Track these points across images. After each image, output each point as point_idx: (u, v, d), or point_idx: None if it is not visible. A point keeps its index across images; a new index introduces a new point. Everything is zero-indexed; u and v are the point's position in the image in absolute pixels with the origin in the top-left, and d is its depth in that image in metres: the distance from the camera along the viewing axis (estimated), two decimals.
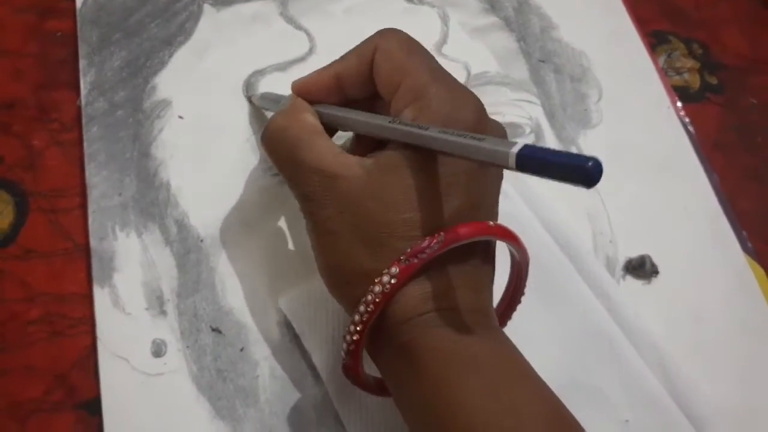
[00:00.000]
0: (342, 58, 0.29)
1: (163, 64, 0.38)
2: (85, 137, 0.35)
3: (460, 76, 0.39)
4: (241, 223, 0.34)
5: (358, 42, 0.39)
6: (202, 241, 0.34)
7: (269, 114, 0.35)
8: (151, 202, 0.34)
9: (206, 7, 0.40)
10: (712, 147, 0.40)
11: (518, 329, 0.32)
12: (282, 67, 0.38)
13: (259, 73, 0.38)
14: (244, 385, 0.31)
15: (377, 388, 0.28)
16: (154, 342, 0.31)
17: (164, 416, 0.30)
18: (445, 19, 0.41)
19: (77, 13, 0.38)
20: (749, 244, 0.37)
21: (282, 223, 0.34)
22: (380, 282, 0.24)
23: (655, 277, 0.36)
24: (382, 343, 0.25)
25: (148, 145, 0.36)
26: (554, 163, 0.19)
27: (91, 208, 0.34)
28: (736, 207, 0.38)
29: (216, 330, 0.32)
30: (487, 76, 0.40)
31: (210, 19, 0.39)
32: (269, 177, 0.35)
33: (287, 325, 0.32)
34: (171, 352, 0.31)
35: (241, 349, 0.32)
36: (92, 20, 0.38)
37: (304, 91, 0.30)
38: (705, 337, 0.35)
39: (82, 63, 0.37)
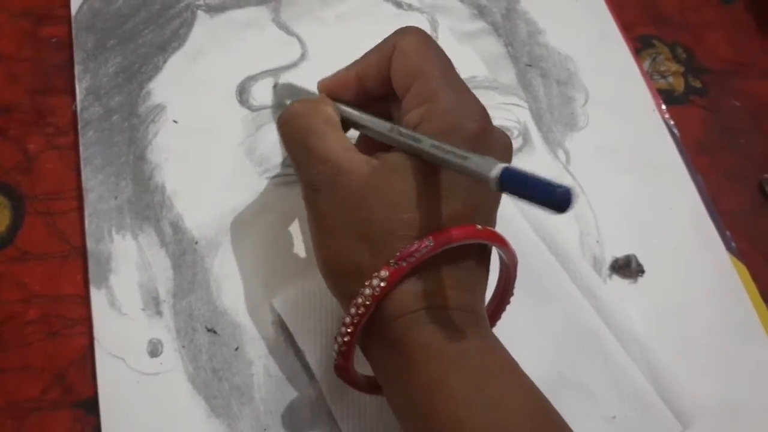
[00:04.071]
0: (363, 56, 0.29)
1: (157, 69, 0.38)
2: (81, 141, 0.36)
3: None
4: (236, 225, 0.35)
5: (349, 48, 0.40)
6: (197, 242, 0.34)
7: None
8: (147, 204, 0.35)
9: (200, 14, 0.40)
10: (696, 149, 0.41)
11: (507, 328, 0.33)
12: (274, 72, 0.39)
13: (252, 78, 0.38)
14: (239, 384, 0.32)
15: (369, 386, 0.29)
16: (150, 342, 0.32)
17: (160, 415, 0.31)
18: (434, 25, 0.42)
19: (72, 19, 0.39)
20: (733, 244, 0.38)
21: (275, 225, 0.35)
22: (371, 285, 0.24)
23: (641, 276, 0.37)
24: (374, 338, 0.26)
25: (144, 149, 0.36)
26: (530, 187, 0.20)
27: (88, 211, 0.34)
28: (720, 207, 0.39)
29: (211, 330, 0.33)
30: (476, 80, 0.41)
31: (203, 26, 0.40)
32: (263, 179, 0.36)
33: (281, 325, 0.33)
34: (167, 351, 0.32)
35: (236, 349, 0.33)
36: (87, 26, 0.39)
37: (329, 88, 0.30)
38: (690, 335, 0.36)
39: (78, 69, 0.38)
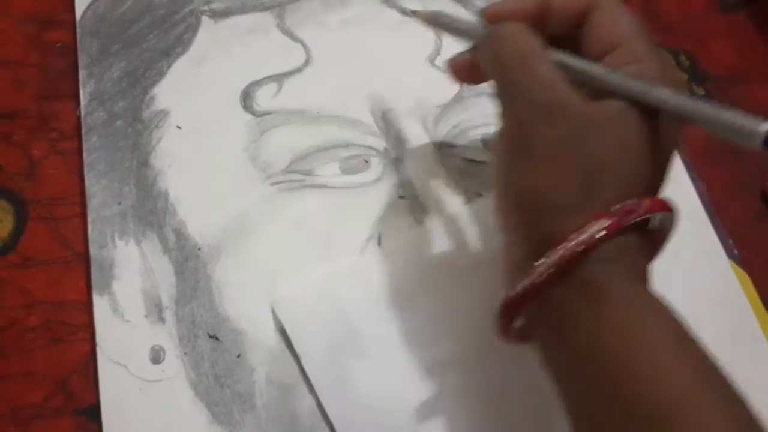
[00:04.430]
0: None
1: (161, 74, 0.38)
2: (84, 147, 0.36)
3: (454, 88, 0.40)
4: (238, 232, 0.35)
5: (353, 54, 0.40)
6: (199, 249, 0.34)
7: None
8: (150, 210, 0.35)
9: (204, 19, 0.40)
10: (699, 156, 0.41)
11: None
12: (278, 78, 0.39)
13: (256, 83, 0.39)
14: (241, 391, 0.32)
15: (518, 336, 0.28)
16: (152, 348, 0.32)
17: (162, 422, 0.31)
18: (438, 32, 0.42)
19: (77, 24, 0.39)
20: (735, 251, 0.38)
21: (279, 232, 0.35)
22: (587, 231, 0.23)
23: None
24: (561, 280, 0.24)
25: (147, 155, 0.36)
26: None
27: (91, 217, 0.34)
28: (722, 214, 0.39)
29: (213, 337, 0.33)
30: (480, 87, 0.40)
31: (208, 31, 0.40)
32: (266, 185, 0.36)
33: (283, 332, 0.33)
34: (169, 358, 0.32)
35: (238, 356, 0.33)
36: (92, 31, 0.39)
37: (500, 16, 0.28)
38: None
39: (82, 73, 0.38)
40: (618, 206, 0.24)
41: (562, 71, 0.26)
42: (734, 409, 0.23)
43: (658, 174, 0.26)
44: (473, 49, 0.30)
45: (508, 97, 0.27)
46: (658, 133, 0.25)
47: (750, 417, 0.23)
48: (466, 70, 0.31)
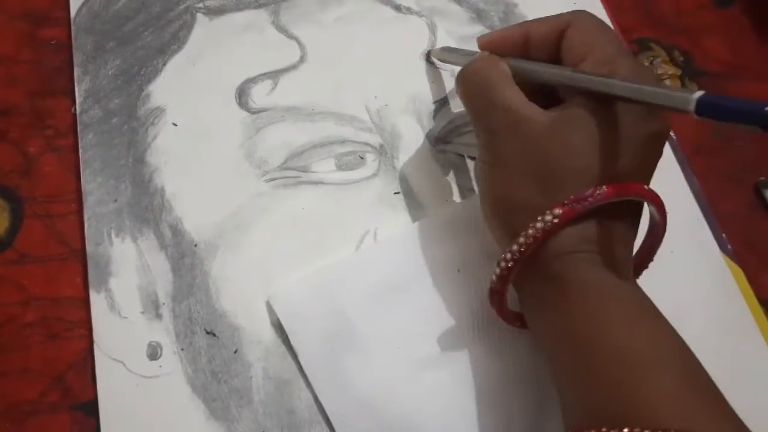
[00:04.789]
0: (534, 20, 0.32)
1: (157, 72, 0.38)
2: (80, 144, 0.36)
3: (448, 83, 0.40)
4: (235, 228, 0.35)
5: (348, 50, 0.40)
6: (196, 245, 0.34)
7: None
8: (146, 207, 0.35)
9: (199, 16, 0.40)
10: (692, 151, 0.41)
11: (500, 331, 0.33)
12: (273, 75, 0.39)
13: (251, 81, 0.39)
14: (238, 386, 0.32)
15: (514, 318, 0.31)
16: (149, 345, 0.32)
17: (160, 417, 0.31)
18: (432, 28, 0.42)
19: (72, 21, 0.39)
20: (728, 246, 0.39)
21: (275, 228, 0.35)
22: (543, 220, 0.27)
23: (636, 278, 0.37)
24: (532, 272, 0.28)
25: (143, 152, 0.36)
26: (732, 109, 0.22)
27: (87, 214, 0.34)
28: (716, 209, 0.40)
29: (210, 332, 0.33)
30: None
31: (203, 28, 0.40)
32: (262, 182, 0.36)
33: (280, 327, 0.33)
34: (166, 354, 0.32)
35: (235, 351, 0.33)
36: (87, 29, 0.39)
37: (492, 45, 0.32)
38: (684, 337, 0.36)
39: (77, 71, 0.38)
40: (572, 197, 0.27)
41: (527, 83, 0.30)
42: (683, 365, 0.26)
43: (625, 161, 0.28)
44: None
45: (480, 123, 0.30)
46: (617, 123, 0.27)
47: (698, 374, 0.26)
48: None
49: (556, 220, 0.27)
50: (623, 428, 0.23)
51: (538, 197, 0.28)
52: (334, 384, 0.32)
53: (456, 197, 0.37)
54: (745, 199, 0.41)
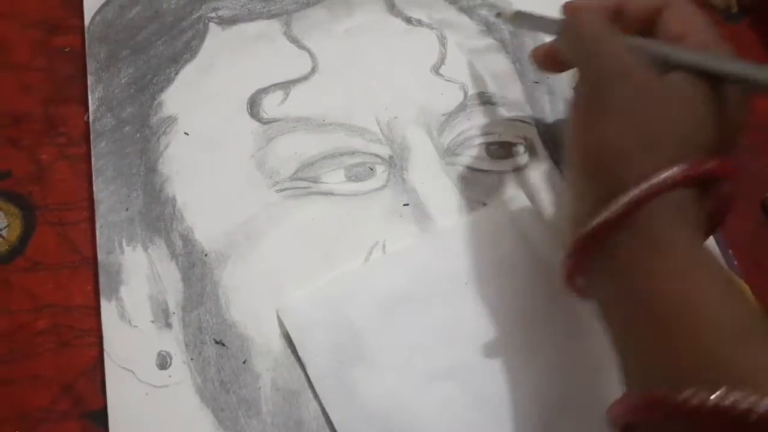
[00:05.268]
0: None
1: (169, 81, 0.39)
2: (92, 152, 0.36)
3: (458, 97, 0.40)
4: (245, 238, 0.35)
5: (359, 62, 0.41)
6: (206, 255, 0.35)
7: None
8: (157, 216, 0.35)
9: (212, 26, 0.41)
10: None
11: (513, 347, 0.33)
12: (285, 85, 0.39)
13: (263, 91, 0.39)
14: (246, 397, 0.32)
15: (582, 290, 0.30)
16: (159, 354, 0.32)
17: (169, 427, 0.31)
18: (443, 41, 0.42)
19: (85, 29, 0.39)
20: (735, 263, 0.39)
21: (285, 238, 0.35)
22: (657, 176, 0.26)
23: None
24: (620, 231, 0.27)
25: (155, 161, 0.36)
26: None
27: (99, 222, 0.35)
28: (723, 226, 0.40)
29: (219, 342, 0.33)
30: (484, 96, 0.41)
31: (215, 38, 0.40)
32: (273, 192, 0.36)
33: (289, 338, 0.33)
34: (176, 364, 0.32)
35: (244, 362, 0.33)
36: (100, 37, 0.39)
37: (580, 10, 0.32)
38: None
39: (90, 79, 0.38)
40: (692, 161, 0.26)
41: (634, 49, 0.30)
42: None
43: (723, 141, 0.28)
44: (555, 40, 0.34)
45: (587, 65, 0.30)
46: (723, 102, 0.28)
47: None
48: (546, 59, 0.35)
49: (670, 180, 0.26)
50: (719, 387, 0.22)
51: (640, 150, 0.27)
52: (341, 396, 0.32)
53: (465, 210, 0.37)
54: (752, 215, 0.41)
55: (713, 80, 0.28)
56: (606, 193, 0.27)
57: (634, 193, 0.26)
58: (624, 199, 0.26)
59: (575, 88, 0.31)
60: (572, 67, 0.34)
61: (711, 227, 0.30)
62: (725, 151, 0.28)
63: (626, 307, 0.27)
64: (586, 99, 0.29)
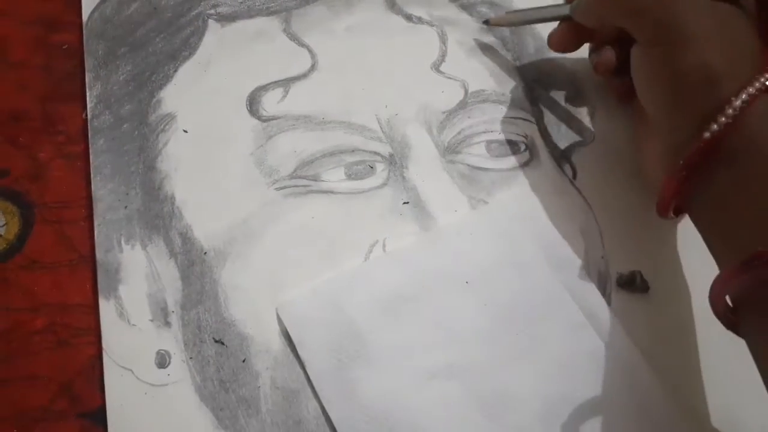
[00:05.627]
0: None
1: (168, 78, 0.38)
2: (91, 150, 0.36)
3: (458, 94, 0.40)
4: (244, 236, 0.35)
5: (359, 59, 0.41)
6: (205, 253, 0.34)
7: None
8: (156, 214, 0.35)
9: (211, 23, 0.40)
10: None
11: (510, 348, 0.33)
12: (285, 83, 0.39)
13: (262, 88, 0.39)
14: (245, 396, 0.32)
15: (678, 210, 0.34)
16: (158, 353, 0.32)
17: (168, 426, 0.31)
18: (443, 38, 0.42)
19: (84, 26, 0.39)
20: None
21: (284, 236, 0.35)
22: (753, 84, 0.29)
23: (646, 292, 0.37)
24: (726, 151, 0.30)
25: (153, 159, 0.36)
26: None
27: (97, 220, 0.34)
28: None
29: (219, 341, 0.33)
30: (484, 93, 0.41)
31: (214, 35, 0.40)
32: (272, 190, 0.36)
33: (288, 337, 0.33)
34: (175, 362, 0.32)
35: (243, 360, 0.33)
36: (98, 34, 0.39)
37: None
38: (696, 352, 0.36)
39: (89, 76, 0.38)
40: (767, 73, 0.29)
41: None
42: None
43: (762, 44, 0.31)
44: (567, 21, 0.37)
45: (643, 16, 0.32)
46: (745, 11, 0.32)
47: None
48: (563, 40, 0.39)
49: (763, 87, 0.28)
50: None
51: (731, 67, 0.30)
52: (341, 394, 0.32)
53: (465, 208, 0.37)
54: None
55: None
56: (705, 114, 0.29)
57: (740, 99, 0.29)
58: (729, 110, 0.29)
59: (637, 39, 0.33)
60: (598, 30, 0.37)
61: None
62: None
63: (735, 219, 0.29)
64: (653, 41, 0.32)
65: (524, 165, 0.39)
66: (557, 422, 0.32)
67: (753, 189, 0.29)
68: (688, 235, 0.39)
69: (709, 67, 0.30)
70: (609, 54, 0.37)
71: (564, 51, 0.39)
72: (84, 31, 0.39)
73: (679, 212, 0.34)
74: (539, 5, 0.40)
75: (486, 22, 0.42)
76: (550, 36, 0.39)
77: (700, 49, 0.30)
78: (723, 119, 0.29)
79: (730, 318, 0.30)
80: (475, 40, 0.42)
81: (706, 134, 0.29)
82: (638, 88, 0.34)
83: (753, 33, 0.31)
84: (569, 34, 0.38)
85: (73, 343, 0.32)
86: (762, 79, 0.29)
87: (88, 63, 0.38)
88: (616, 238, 0.38)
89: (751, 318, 0.29)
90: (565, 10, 0.38)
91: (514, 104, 0.41)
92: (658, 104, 0.32)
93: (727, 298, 0.30)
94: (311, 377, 0.32)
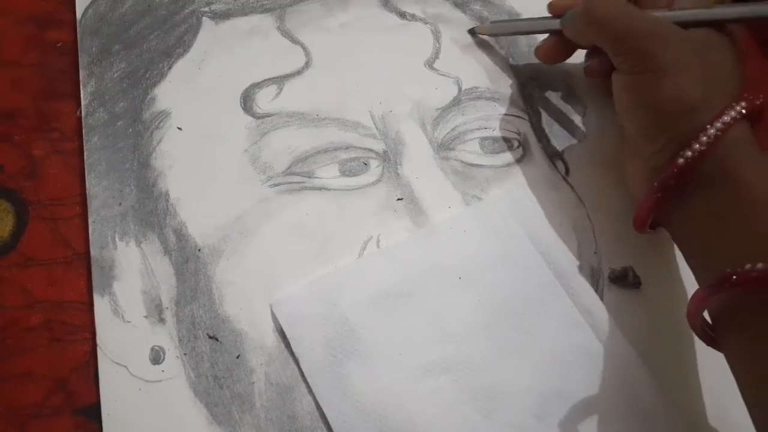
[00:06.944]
0: None
1: (162, 75, 0.38)
2: (85, 147, 0.36)
3: (452, 91, 0.40)
4: (238, 233, 0.35)
5: (353, 56, 0.41)
6: (200, 250, 0.35)
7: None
8: (150, 211, 0.35)
9: (205, 20, 0.40)
10: None
11: (504, 344, 0.33)
12: (279, 80, 0.39)
13: (256, 86, 0.39)
14: (240, 392, 0.32)
15: (655, 224, 0.35)
16: (152, 349, 0.32)
17: (162, 422, 0.31)
18: (437, 35, 0.42)
19: (78, 24, 0.39)
20: None
21: (279, 233, 0.35)
22: (728, 113, 0.30)
23: (638, 288, 0.37)
24: (699, 176, 0.31)
25: (148, 156, 0.36)
26: None
27: (92, 217, 0.34)
28: None
29: (213, 337, 0.33)
30: (478, 91, 0.41)
31: (208, 32, 0.40)
32: (266, 187, 0.36)
33: (282, 333, 0.33)
34: (169, 359, 0.32)
35: (238, 356, 0.33)
36: (92, 31, 0.39)
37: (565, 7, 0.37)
38: (688, 347, 0.36)
39: (83, 73, 0.38)
40: (745, 96, 0.31)
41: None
42: None
43: (742, 74, 0.32)
44: (556, 34, 0.38)
45: (623, 41, 0.33)
46: (732, 40, 0.33)
47: None
48: (550, 53, 0.39)
49: (738, 116, 0.30)
50: None
51: (707, 95, 0.31)
52: (335, 390, 0.32)
53: (459, 204, 0.37)
54: None
55: (716, 25, 0.33)
56: (681, 141, 0.31)
57: (714, 128, 0.30)
58: (703, 138, 0.30)
59: (617, 66, 0.34)
60: (586, 47, 0.38)
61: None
62: (744, 82, 0.32)
63: (712, 245, 0.31)
64: (633, 69, 0.32)
65: (517, 162, 0.39)
66: (550, 416, 0.32)
67: (723, 213, 0.31)
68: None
69: (684, 98, 0.31)
70: (598, 61, 0.38)
71: (552, 62, 0.40)
72: (78, 29, 0.39)
73: (656, 226, 0.35)
74: (527, 16, 0.41)
75: (472, 30, 0.42)
76: (538, 48, 0.39)
77: (675, 80, 0.31)
78: (697, 146, 0.30)
79: (708, 334, 0.31)
80: (470, 33, 0.42)
81: (680, 160, 0.31)
82: (618, 112, 0.35)
83: (732, 61, 0.32)
84: (558, 46, 0.39)
85: (68, 339, 0.32)
86: (738, 108, 0.30)
87: (83, 60, 0.38)
88: (608, 233, 0.38)
89: (726, 336, 0.30)
90: (555, 25, 0.38)
91: (507, 101, 0.41)
92: (637, 129, 0.33)
93: (707, 314, 0.31)
94: (305, 373, 0.32)
